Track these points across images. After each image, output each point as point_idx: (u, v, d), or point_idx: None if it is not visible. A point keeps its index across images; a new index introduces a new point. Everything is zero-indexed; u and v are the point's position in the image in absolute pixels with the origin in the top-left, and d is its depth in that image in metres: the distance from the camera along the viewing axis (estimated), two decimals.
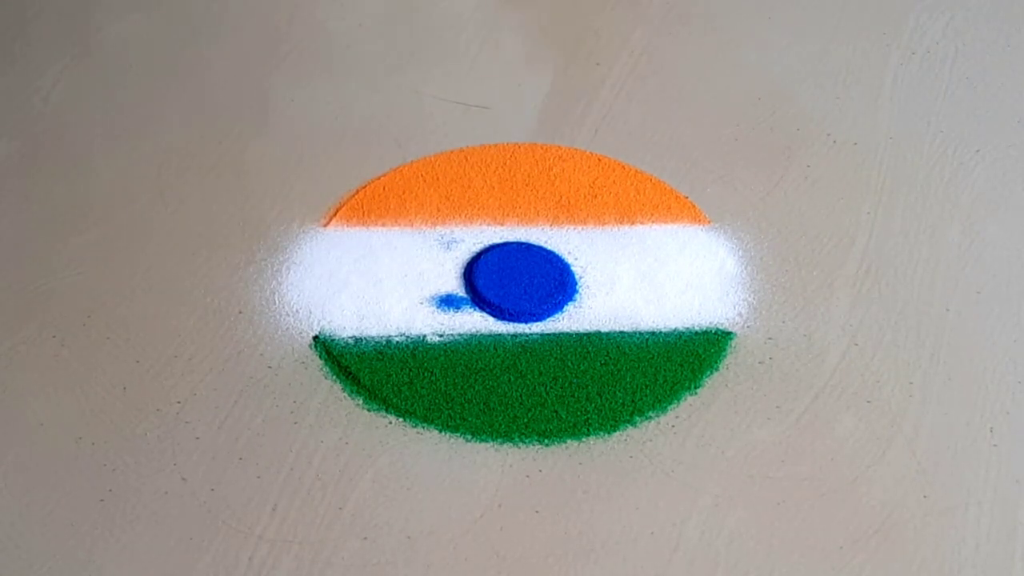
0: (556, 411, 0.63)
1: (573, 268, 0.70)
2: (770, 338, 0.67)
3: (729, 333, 0.68)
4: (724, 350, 0.67)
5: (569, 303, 0.69)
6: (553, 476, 0.61)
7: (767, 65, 0.86)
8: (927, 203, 0.75)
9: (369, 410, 0.63)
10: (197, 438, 0.62)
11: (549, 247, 0.71)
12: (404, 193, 0.75)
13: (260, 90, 0.81)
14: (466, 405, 0.64)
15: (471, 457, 0.62)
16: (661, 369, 0.65)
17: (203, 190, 0.74)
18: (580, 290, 0.69)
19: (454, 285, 0.69)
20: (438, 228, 0.72)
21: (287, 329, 0.67)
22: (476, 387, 0.64)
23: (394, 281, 0.69)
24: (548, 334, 0.67)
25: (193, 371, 0.65)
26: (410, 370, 0.65)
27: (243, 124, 0.79)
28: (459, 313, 0.68)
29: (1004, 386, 0.65)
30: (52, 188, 0.74)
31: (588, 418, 0.63)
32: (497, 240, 0.72)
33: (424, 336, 0.67)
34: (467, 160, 0.77)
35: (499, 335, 0.67)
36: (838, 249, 0.72)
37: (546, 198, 0.74)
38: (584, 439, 0.62)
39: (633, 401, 0.64)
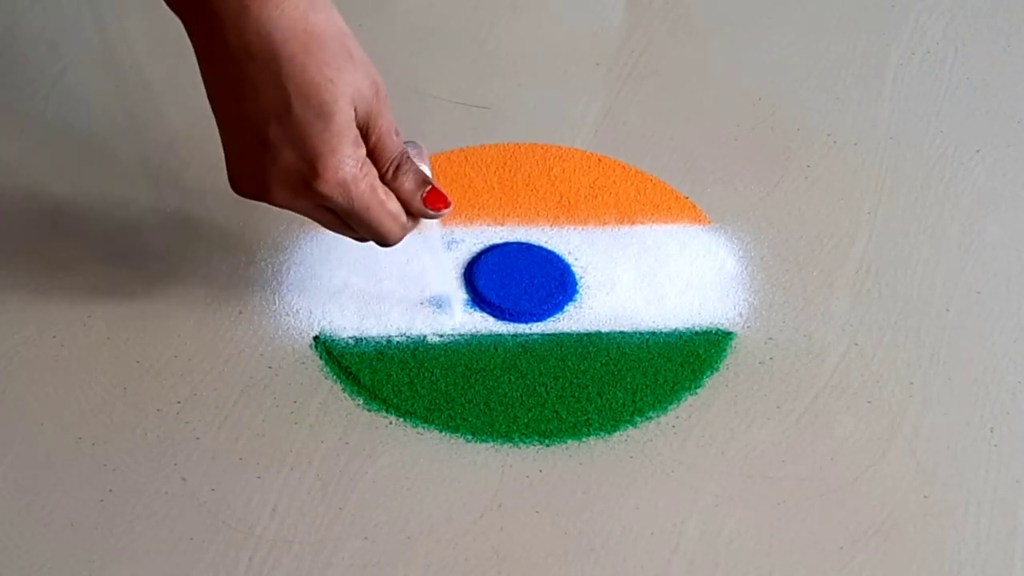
0: (556, 411, 0.63)
1: (573, 268, 0.70)
2: (770, 338, 0.67)
3: (729, 333, 0.68)
4: (724, 350, 0.67)
5: (569, 303, 0.69)
6: (553, 476, 0.61)
7: (767, 65, 0.86)
8: (927, 203, 0.75)
9: (369, 410, 0.63)
10: (197, 438, 0.62)
11: (549, 247, 0.71)
12: None
13: None
14: (466, 405, 0.64)
15: (471, 457, 0.62)
16: (661, 369, 0.65)
17: (203, 190, 0.74)
18: (580, 290, 0.69)
19: (454, 285, 0.69)
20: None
21: (287, 329, 0.67)
22: (476, 387, 0.64)
23: (394, 281, 0.69)
24: (548, 334, 0.67)
25: (193, 371, 0.65)
26: (410, 370, 0.65)
27: None
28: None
29: (1004, 386, 0.65)
30: (52, 188, 0.74)
31: (588, 418, 0.63)
32: (497, 240, 0.72)
33: (424, 336, 0.67)
34: (467, 160, 0.77)
35: (499, 335, 0.67)
36: (838, 249, 0.72)
37: (546, 198, 0.74)
38: (584, 439, 0.62)
39: (633, 401, 0.64)
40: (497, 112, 0.80)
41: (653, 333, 0.67)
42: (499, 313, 0.68)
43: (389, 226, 0.60)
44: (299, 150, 0.56)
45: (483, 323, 0.67)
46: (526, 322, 0.68)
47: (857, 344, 0.67)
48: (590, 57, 0.85)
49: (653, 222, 0.73)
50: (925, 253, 0.72)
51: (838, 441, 0.63)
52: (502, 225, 0.73)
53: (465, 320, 0.67)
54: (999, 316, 0.69)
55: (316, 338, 0.66)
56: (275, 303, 0.68)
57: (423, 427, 0.63)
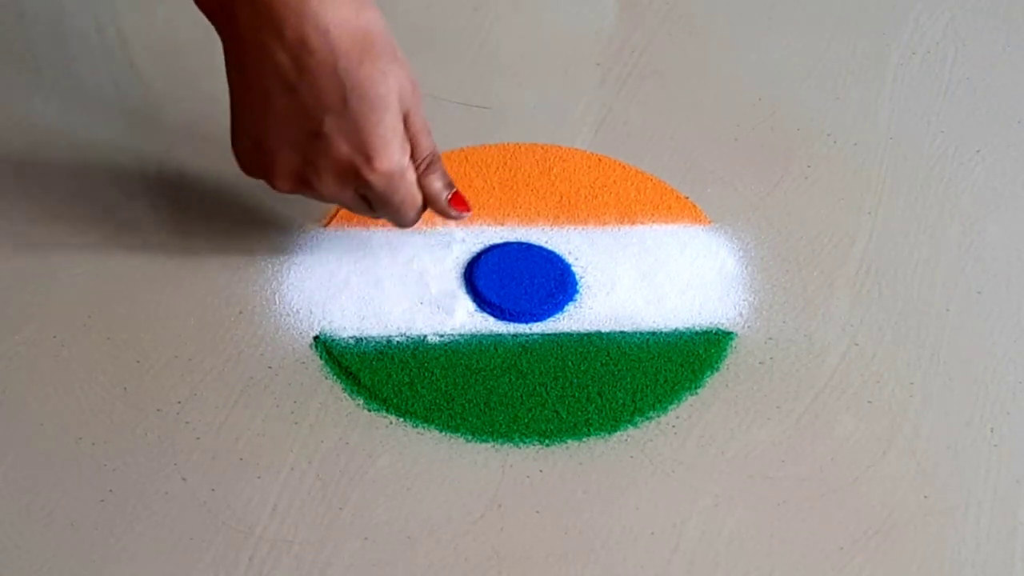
0: (557, 411, 0.63)
1: (573, 268, 0.70)
2: (770, 338, 0.67)
3: (730, 333, 0.68)
4: (725, 350, 0.67)
5: (569, 303, 0.69)
6: (553, 476, 0.61)
7: (767, 65, 0.86)
8: (927, 203, 0.75)
9: (369, 410, 0.63)
10: (197, 438, 0.62)
11: (549, 247, 0.71)
12: None
13: None
14: (466, 405, 0.64)
15: (471, 457, 0.62)
16: (662, 369, 0.65)
17: (203, 190, 0.74)
18: (580, 290, 0.69)
19: (455, 285, 0.69)
20: (438, 228, 0.72)
21: (287, 329, 0.67)
22: (476, 387, 0.64)
23: (394, 281, 0.69)
24: (548, 334, 0.67)
25: (193, 371, 0.65)
26: (410, 370, 0.65)
27: None
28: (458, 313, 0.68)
29: (1005, 386, 0.65)
30: (52, 188, 0.74)
31: (589, 418, 0.63)
32: (497, 240, 0.72)
33: (424, 336, 0.67)
34: (467, 160, 0.77)
35: (499, 335, 0.67)
36: (838, 249, 0.72)
37: (546, 198, 0.74)
38: (585, 439, 0.62)
39: (634, 401, 0.64)
40: (497, 112, 0.80)
41: (653, 333, 0.67)
42: (499, 313, 0.68)
43: (413, 217, 0.65)
44: (354, 141, 0.59)
45: (483, 323, 0.67)
46: (526, 322, 0.68)
47: (857, 344, 0.67)
48: (590, 57, 0.85)
49: (653, 222, 0.73)
50: (925, 253, 0.72)
51: (838, 441, 0.63)
52: (502, 225, 0.73)
53: (465, 320, 0.67)
54: (999, 316, 0.69)
55: (316, 338, 0.66)
56: (275, 303, 0.68)
57: (423, 427, 0.63)
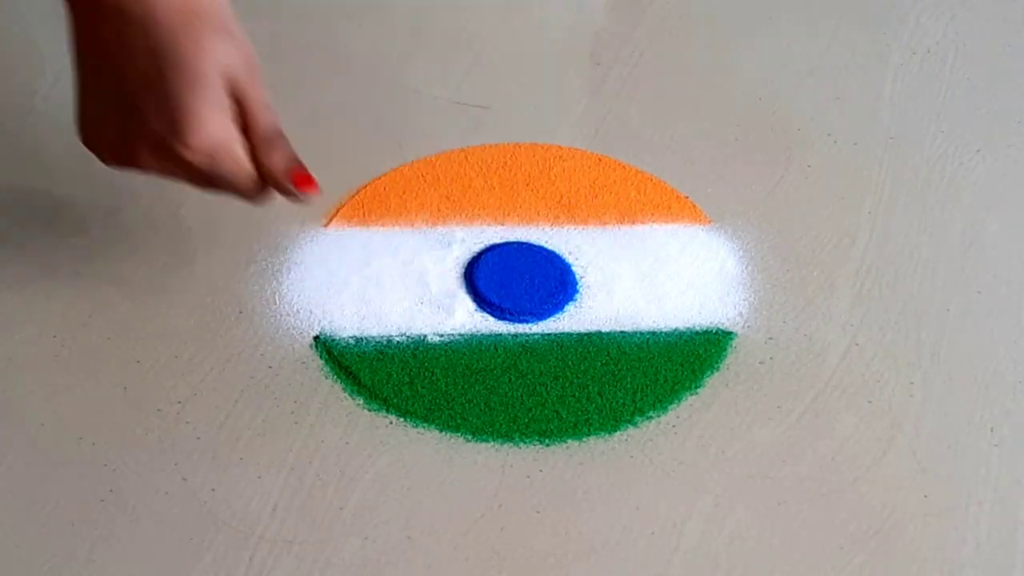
0: (557, 411, 0.63)
1: (574, 268, 0.70)
2: (771, 338, 0.67)
3: (730, 333, 0.68)
4: (725, 350, 0.67)
5: (570, 303, 0.69)
6: (554, 476, 0.61)
7: (767, 65, 0.86)
8: (928, 203, 0.75)
9: (370, 410, 0.63)
10: (198, 438, 0.62)
11: (550, 247, 0.71)
12: (404, 193, 0.75)
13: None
14: (467, 405, 0.63)
15: (472, 457, 0.62)
16: (662, 369, 0.65)
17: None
18: (581, 290, 0.69)
19: (455, 285, 0.69)
20: (438, 228, 0.72)
21: (287, 329, 0.67)
22: (477, 387, 0.64)
23: (394, 281, 0.69)
24: (549, 334, 0.67)
25: (193, 371, 0.65)
26: (411, 370, 0.65)
27: None
28: (458, 313, 0.68)
29: (1005, 386, 0.65)
30: (52, 188, 0.74)
31: (589, 418, 0.63)
32: (497, 240, 0.72)
33: (425, 336, 0.67)
34: (467, 160, 0.77)
35: (500, 335, 0.67)
36: (839, 249, 0.72)
37: (546, 198, 0.74)
38: (585, 439, 0.62)
39: (634, 401, 0.64)
40: (497, 112, 0.80)
41: (653, 333, 0.67)
42: (499, 313, 0.68)
43: (251, 192, 0.61)
44: (167, 117, 0.57)
45: (483, 323, 0.67)
46: (526, 322, 0.68)
47: (857, 344, 0.67)
48: (590, 57, 0.85)
49: (653, 222, 0.73)
50: (925, 253, 0.72)
51: (838, 441, 0.63)
52: (502, 225, 0.73)
53: (465, 320, 0.67)
54: (1000, 316, 0.69)
55: (316, 338, 0.66)
56: (275, 303, 0.68)
57: (423, 427, 0.63)
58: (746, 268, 0.71)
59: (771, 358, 0.67)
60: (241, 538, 0.58)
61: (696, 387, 0.65)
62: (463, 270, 0.70)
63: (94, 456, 0.61)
